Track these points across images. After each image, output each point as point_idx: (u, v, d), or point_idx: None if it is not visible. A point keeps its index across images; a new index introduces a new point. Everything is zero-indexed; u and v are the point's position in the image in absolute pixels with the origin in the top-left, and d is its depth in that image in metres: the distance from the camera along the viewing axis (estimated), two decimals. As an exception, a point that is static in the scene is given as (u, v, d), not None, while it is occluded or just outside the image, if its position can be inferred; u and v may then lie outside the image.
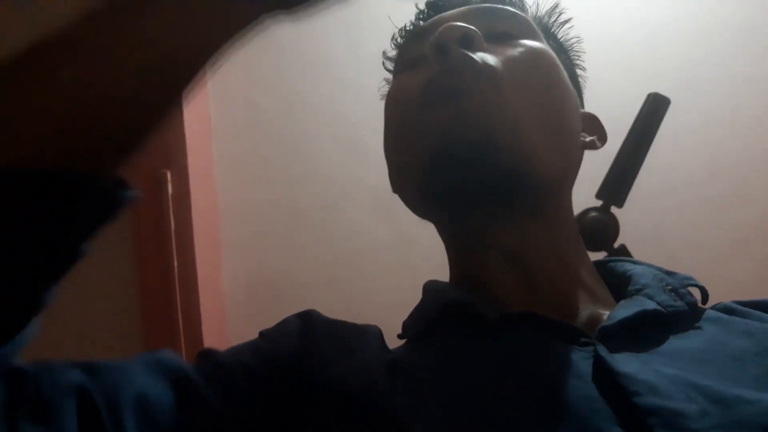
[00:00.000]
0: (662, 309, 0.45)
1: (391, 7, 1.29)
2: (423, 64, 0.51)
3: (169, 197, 1.08)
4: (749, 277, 1.28)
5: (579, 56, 0.62)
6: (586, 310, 0.48)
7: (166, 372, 0.43)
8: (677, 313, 0.46)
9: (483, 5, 0.54)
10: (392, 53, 0.63)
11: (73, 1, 0.34)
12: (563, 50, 0.60)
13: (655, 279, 0.49)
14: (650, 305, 0.45)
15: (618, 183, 1.02)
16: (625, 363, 0.39)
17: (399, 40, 0.62)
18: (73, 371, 0.38)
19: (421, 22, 0.60)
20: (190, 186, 1.10)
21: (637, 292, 0.48)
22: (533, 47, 0.51)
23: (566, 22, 0.60)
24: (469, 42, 0.47)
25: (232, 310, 1.25)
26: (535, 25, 0.55)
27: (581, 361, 0.40)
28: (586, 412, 0.37)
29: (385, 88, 0.65)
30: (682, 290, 0.48)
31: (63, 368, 0.38)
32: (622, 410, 0.36)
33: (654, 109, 1.01)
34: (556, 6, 0.59)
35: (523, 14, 0.55)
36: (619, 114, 1.09)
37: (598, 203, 1.04)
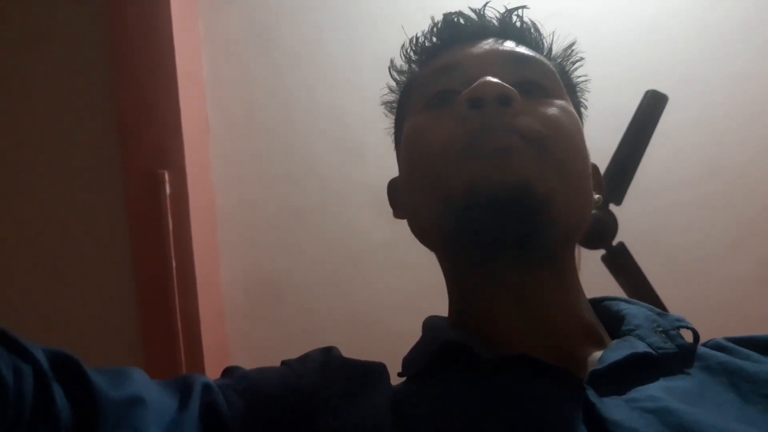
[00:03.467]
0: (652, 351, 0.47)
1: (387, 8, 1.29)
2: (450, 106, 0.51)
3: (167, 197, 1.08)
4: (748, 274, 1.29)
5: (584, 96, 0.64)
6: (582, 350, 0.49)
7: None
8: (667, 355, 0.47)
9: (514, 51, 0.55)
10: (400, 62, 0.63)
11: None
12: (574, 90, 0.62)
13: (647, 320, 0.51)
14: (641, 347, 0.46)
15: (616, 180, 1.02)
16: (614, 409, 0.40)
17: (411, 53, 0.61)
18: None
19: (434, 39, 0.60)
20: (188, 186, 1.09)
21: (630, 332, 0.49)
22: (566, 110, 0.53)
23: (578, 61, 0.61)
24: (507, 101, 0.48)
25: (230, 310, 1.25)
26: (558, 76, 0.56)
27: (572, 405, 0.42)
28: None
29: (387, 95, 0.64)
30: (673, 332, 0.49)
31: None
32: None
33: (652, 106, 1.01)
34: (571, 45, 0.61)
35: (549, 64, 0.56)
36: (617, 111, 1.09)
37: (597, 201, 1.04)
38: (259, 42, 1.29)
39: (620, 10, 1.31)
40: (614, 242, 1.04)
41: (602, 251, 1.05)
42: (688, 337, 0.49)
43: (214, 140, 1.27)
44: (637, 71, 1.28)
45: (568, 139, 0.51)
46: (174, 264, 1.08)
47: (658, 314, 0.52)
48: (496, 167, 0.46)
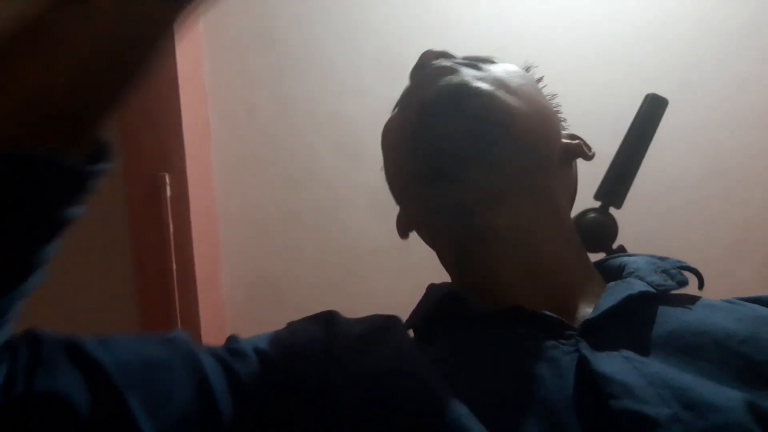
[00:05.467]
0: (651, 289, 0.46)
1: (389, 12, 1.29)
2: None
3: (168, 200, 1.08)
4: (748, 278, 1.28)
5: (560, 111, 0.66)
6: (583, 299, 0.48)
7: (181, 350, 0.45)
8: (666, 291, 0.47)
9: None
10: None
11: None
12: None
13: (648, 263, 0.51)
14: (637, 287, 0.46)
15: (616, 184, 1.02)
16: (606, 361, 0.40)
17: None
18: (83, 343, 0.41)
19: None
20: (188, 189, 1.10)
21: (629, 275, 0.49)
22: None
23: (540, 79, 0.64)
24: (448, 56, 0.53)
25: (231, 313, 1.25)
26: None
27: (565, 358, 0.41)
28: (562, 412, 0.38)
29: None
30: (673, 271, 0.50)
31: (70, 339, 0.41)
32: (599, 410, 0.37)
33: (652, 109, 1.01)
34: (528, 68, 0.63)
35: None
36: (617, 114, 1.09)
37: (597, 204, 1.04)
38: (260, 45, 1.29)
39: (621, 14, 1.31)
40: (614, 245, 1.04)
41: (602, 255, 1.05)
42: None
43: (214, 143, 1.27)
44: (638, 74, 1.29)
45: (512, 69, 0.54)
46: (174, 266, 1.08)
47: (660, 258, 0.52)
48: (437, 81, 0.50)
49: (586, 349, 0.41)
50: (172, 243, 1.08)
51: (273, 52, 1.29)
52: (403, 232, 0.61)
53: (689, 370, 0.39)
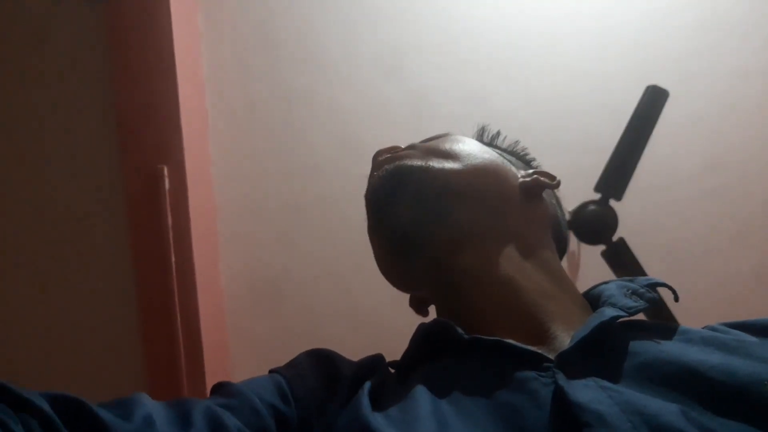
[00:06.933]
0: (623, 312, 0.48)
1: (387, 5, 1.29)
2: None
3: (166, 192, 1.07)
4: (748, 269, 1.29)
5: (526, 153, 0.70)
6: (564, 330, 0.50)
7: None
8: (638, 311, 0.49)
9: None
10: None
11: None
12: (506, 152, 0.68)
13: (619, 288, 0.53)
14: (608, 313, 0.47)
15: (616, 176, 1.02)
16: (581, 391, 0.41)
17: None
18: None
19: None
20: (187, 181, 1.09)
21: (604, 303, 0.51)
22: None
23: (497, 134, 0.68)
24: (394, 149, 0.62)
25: (230, 306, 1.25)
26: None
27: (543, 389, 0.42)
28: None
29: None
30: (641, 290, 0.51)
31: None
32: None
33: (653, 101, 1.01)
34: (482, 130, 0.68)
35: None
36: (617, 106, 1.09)
37: (597, 197, 1.04)
38: (259, 37, 1.28)
39: (622, 6, 1.30)
40: (614, 237, 1.04)
41: (602, 246, 1.05)
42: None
43: (213, 135, 1.27)
44: (638, 66, 1.28)
45: (448, 137, 0.61)
46: (173, 259, 1.08)
47: (629, 281, 0.54)
48: (378, 174, 0.59)
49: (562, 380, 0.42)
50: (171, 235, 1.08)
51: (271, 45, 1.28)
52: (419, 310, 0.65)
53: (660, 397, 0.40)
